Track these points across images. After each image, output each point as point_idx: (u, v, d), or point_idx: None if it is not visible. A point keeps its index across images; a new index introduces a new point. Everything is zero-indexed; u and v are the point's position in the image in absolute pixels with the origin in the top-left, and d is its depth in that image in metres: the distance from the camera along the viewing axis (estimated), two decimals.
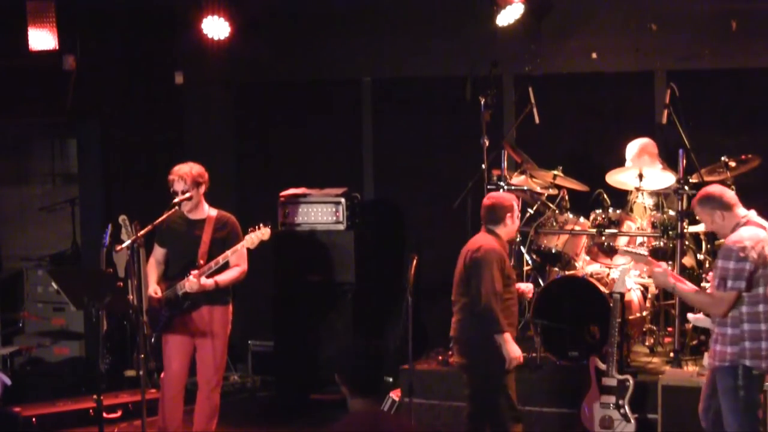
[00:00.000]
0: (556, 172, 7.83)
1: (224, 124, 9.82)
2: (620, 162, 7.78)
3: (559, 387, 7.23)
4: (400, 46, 9.06)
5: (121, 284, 6.50)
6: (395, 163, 9.29)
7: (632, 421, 6.64)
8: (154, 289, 6.76)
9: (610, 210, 7.61)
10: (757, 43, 8.23)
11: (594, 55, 8.63)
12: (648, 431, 6.74)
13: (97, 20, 8.76)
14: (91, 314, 6.27)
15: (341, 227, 8.55)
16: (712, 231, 6.09)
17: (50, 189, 10.21)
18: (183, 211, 6.75)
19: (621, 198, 7.87)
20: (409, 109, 9.21)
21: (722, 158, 7.50)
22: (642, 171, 7.41)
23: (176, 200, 6.66)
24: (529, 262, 8.09)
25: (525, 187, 7.90)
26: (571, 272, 7.70)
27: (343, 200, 8.56)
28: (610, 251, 7.53)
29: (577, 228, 7.65)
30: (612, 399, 6.69)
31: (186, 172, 6.69)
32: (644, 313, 7.62)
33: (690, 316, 6.29)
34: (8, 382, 7.41)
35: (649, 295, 7.65)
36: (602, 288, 7.25)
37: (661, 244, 7.45)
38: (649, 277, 6.91)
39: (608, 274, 7.51)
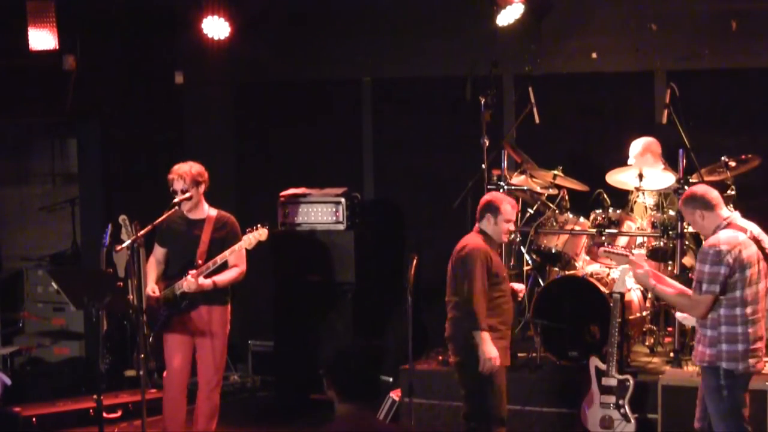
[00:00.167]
0: (556, 172, 7.83)
1: (224, 124, 9.82)
2: (620, 162, 7.77)
3: (559, 387, 7.22)
4: (400, 46, 9.05)
5: (121, 284, 6.51)
6: (395, 163, 9.29)
7: (632, 421, 6.62)
8: (151, 288, 6.76)
9: (610, 210, 7.60)
10: (757, 43, 8.23)
11: (594, 55, 8.63)
12: (648, 431, 6.74)
13: (97, 20, 8.76)
14: (91, 314, 6.26)
15: (341, 227, 8.55)
16: (697, 231, 6.08)
17: (50, 189, 10.20)
18: (183, 211, 6.75)
19: (621, 198, 7.87)
20: (409, 109, 9.21)
21: (722, 158, 7.49)
22: (642, 171, 7.41)
23: (176, 200, 6.66)
24: (529, 262, 8.09)
25: (525, 187, 7.89)
26: (571, 272, 7.69)
27: (343, 200, 8.56)
28: None
29: (577, 228, 7.64)
30: (612, 399, 6.67)
31: (186, 171, 6.69)
32: (644, 313, 7.62)
33: (678, 314, 6.29)
34: (8, 382, 7.43)
35: (649, 295, 7.63)
36: (602, 288, 7.24)
37: (661, 244, 7.45)
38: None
39: (608, 274, 7.50)
